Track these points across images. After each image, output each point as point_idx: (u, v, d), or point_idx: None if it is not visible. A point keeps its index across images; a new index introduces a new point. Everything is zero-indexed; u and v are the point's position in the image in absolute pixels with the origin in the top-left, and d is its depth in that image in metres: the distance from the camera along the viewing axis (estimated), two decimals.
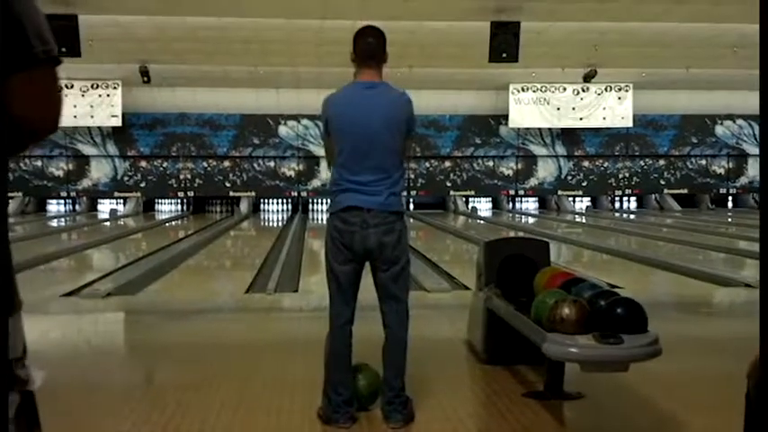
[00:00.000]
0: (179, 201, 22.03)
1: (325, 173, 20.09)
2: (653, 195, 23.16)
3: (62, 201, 21.70)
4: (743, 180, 22.82)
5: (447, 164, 22.20)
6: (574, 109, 21.12)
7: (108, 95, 19.58)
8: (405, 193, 21.59)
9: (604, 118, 21.30)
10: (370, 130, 3.51)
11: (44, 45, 1.25)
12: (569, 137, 22.25)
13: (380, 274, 3.59)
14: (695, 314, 6.90)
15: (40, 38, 1.24)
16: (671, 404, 3.89)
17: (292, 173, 21.73)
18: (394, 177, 3.54)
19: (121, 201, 21.70)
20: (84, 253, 11.97)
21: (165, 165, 21.50)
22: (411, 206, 22.44)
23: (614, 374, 3.60)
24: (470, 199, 22.51)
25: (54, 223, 18.53)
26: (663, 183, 22.88)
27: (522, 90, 20.85)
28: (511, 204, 22.90)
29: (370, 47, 3.79)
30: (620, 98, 21.11)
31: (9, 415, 1.18)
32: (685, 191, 22.89)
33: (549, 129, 21.99)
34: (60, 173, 21.00)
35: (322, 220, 18.20)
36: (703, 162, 22.88)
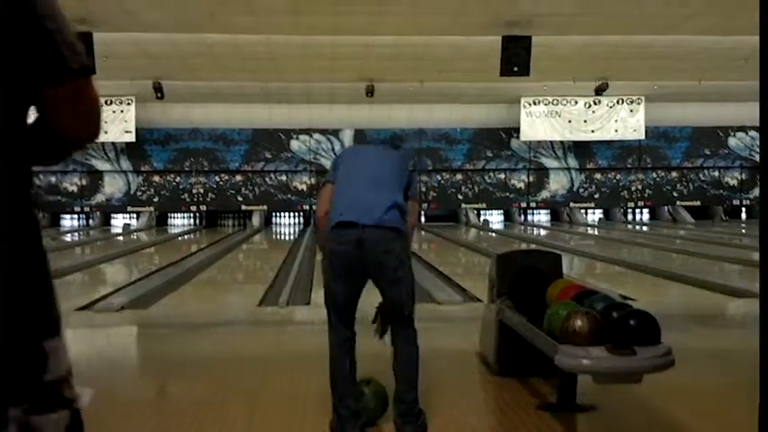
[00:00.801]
0: (191, 215, 22.14)
1: None
2: (666, 207, 23.07)
3: (76, 216, 21.86)
4: (756, 191, 22.68)
5: (458, 177, 22.21)
6: (585, 122, 21.10)
7: (122, 111, 19.74)
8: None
9: (616, 130, 21.27)
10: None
11: (77, 56, 1.26)
12: (581, 149, 22.23)
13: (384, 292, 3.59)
14: (709, 326, 6.86)
15: (71, 50, 1.26)
16: (684, 416, 3.87)
17: (304, 187, 21.80)
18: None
19: (135, 215, 21.84)
20: (98, 267, 12.04)
21: (177, 179, 21.62)
22: (423, 219, 22.45)
23: (627, 386, 3.59)
24: (482, 211, 22.49)
25: (68, 238, 18.65)
26: (676, 195, 22.79)
27: (534, 103, 20.86)
28: (523, 217, 22.85)
29: None
30: (632, 110, 21.08)
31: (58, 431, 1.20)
32: (698, 203, 22.79)
33: (561, 141, 21.97)
34: (74, 188, 21.17)
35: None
36: (716, 174, 22.79)
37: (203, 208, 21.77)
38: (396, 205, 3.54)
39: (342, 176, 3.66)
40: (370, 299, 3.70)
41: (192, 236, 19.85)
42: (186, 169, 21.55)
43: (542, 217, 23.18)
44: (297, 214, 22.06)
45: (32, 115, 1.26)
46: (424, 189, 22.04)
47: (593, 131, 21.24)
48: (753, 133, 22.33)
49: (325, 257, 3.59)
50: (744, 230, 19.25)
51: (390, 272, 3.46)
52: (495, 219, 22.72)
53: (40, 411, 1.17)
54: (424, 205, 22.10)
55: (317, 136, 21.61)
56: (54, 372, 1.20)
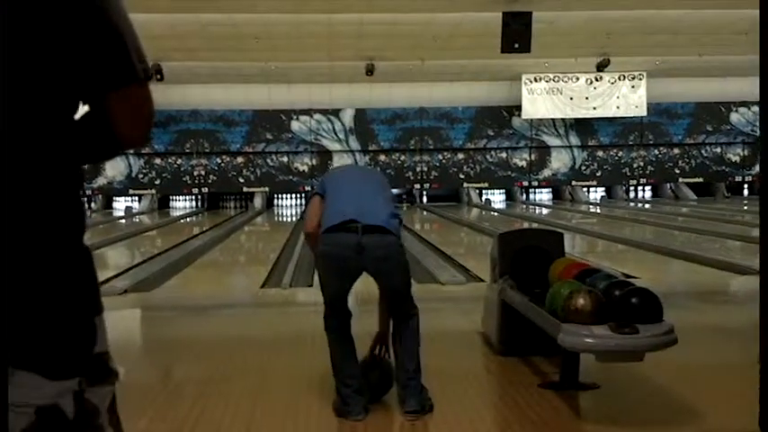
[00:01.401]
0: (193, 197, 22.13)
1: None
2: (668, 184, 23.02)
3: None
4: (758, 167, 22.58)
5: (460, 156, 22.16)
6: (587, 98, 21.02)
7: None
8: (418, 186, 22.05)
9: (618, 107, 21.18)
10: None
11: (143, 64, 1.33)
12: (583, 127, 22.15)
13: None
14: (711, 303, 6.86)
15: (139, 57, 1.32)
16: (687, 393, 3.88)
17: (305, 168, 21.77)
18: None
19: (136, 198, 21.83)
20: (101, 251, 12.05)
21: (179, 162, 21.60)
22: (424, 199, 22.44)
23: (630, 364, 3.59)
24: (484, 191, 22.46)
25: None
26: (678, 171, 22.73)
27: (535, 80, 20.76)
28: (525, 196, 22.83)
29: None
30: (633, 87, 20.98)
31: (105, 405, 1.28)
32: (701, 179, 22.74)
33: (563, 119, 21.89)
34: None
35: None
36: (718, 150, 22.71)
37: (205, 190, 21.76)
38: (395, 215, 3.60)
39: (334, 188, 3.66)
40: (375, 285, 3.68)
41: (194, 218, 19.86)
42: (187, 151, 21.52)
43: (544, 196, 23.15)
44: (298, 195, 22.04)
45: (81, 112, 1.31)
46: (425, 169, 22.00)
47: (594, 108, 21.16)
48: (755, 108, 22.16)
49: (318, 259, 3.60)
50: (746, 207, 19.23)
51: (389, 276, 3.54)
52: (497, 198, 22.69)
53: (94, 383, 1.26)
54: (426, 185, 22.09)
55: (317, 116, 21.55)
56: (101, 345, 1.29)
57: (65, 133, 1.26)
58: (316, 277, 8.08)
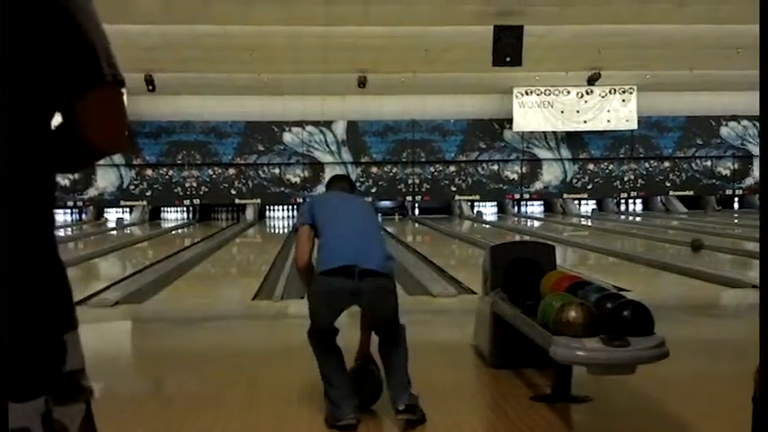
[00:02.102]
0: (185, 209, 22.08)
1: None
2: (658, 197, 23.12)
3: (69, 210, 21.77)
4: (749, 181, 22.76)
5: (452, 168, 22.20)
6: (578, 112, 21.12)
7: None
8: (410, 198, 22.05)
9: (609, 120, 21.29)
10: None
11: (112, 69, 1.29)
12: (574, 140, 22.24)
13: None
14: (702, 316, 6.88)
15: (108, 63, 1.28)
16: (678, 406, 3.88)
17: (297, 179, 21.76)
18: None
19: (128, 209, 21.76)
20: (92, 262, 12.00)
21: (170, 173, 21.56)
22: (416, 211, 22.45)
23: (621, 377, 3.60)
24: (475, 203, 22.50)
25: (61, 233, 18.59)
26: (668, 185, 22.84)
27: (526, 93, 20.85)
28: (516, 208, 22.87)
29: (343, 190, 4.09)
30: (624, 100, 21.09)
31: (76, 424, 1.23)
32: (691, 192, 22.85)
33: (554, 132, 21.98)
34: (67, 182, 21.07)
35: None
36: (708, 163, 22.84)
37: (196, 202, 21.71)
38: (390, 257, 3.68)
39: (328, 220, 3.69)
40: None
41: (185, 230, 19.81)
42: (179, 162, 21.48)
43: (536, 208, 23.20)
44: (290, 207, 22.02)
45: (55, 121, 1.28)
46: (417, 181, 22.04)
47: (585, 122, 21.26)
48: (745, 122, 22.37)
49: (311, 295, 3.64)
50: (736, 220, 19.32)
51: (380, 311, 3.62)
52: (489, 210, 22.73)
53: (62, 402, 1.20)
54: (417, 197, 22.13)
55: (309, 128, 21.56)
56: (72, 363, 1.23)
57: (38, 141, 1.23)
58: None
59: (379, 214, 21.53)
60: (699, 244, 10.68)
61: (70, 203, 21.36)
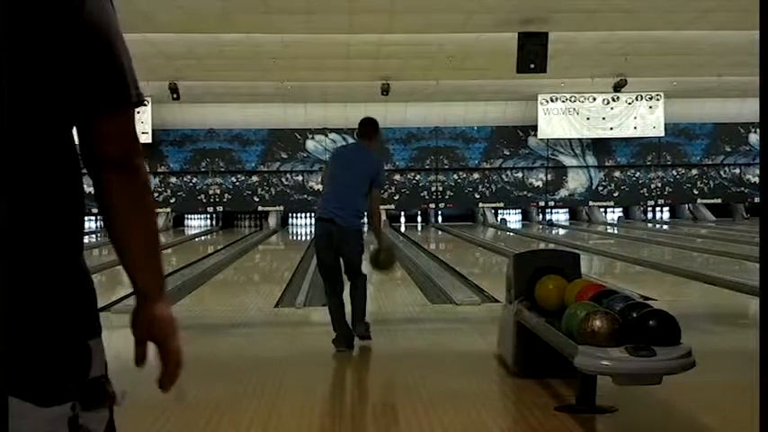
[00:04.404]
0: (208, 216, 22.21)
1: None
2: (686, 205, 22.85)
3: (93, 218, 21.98)
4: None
5: (475, 176, 22.12)
6: (604, 119, 20.94)
7: (138, 112, 19.18)
8: (433, 206, 21.96)
9: (635, 127, 21.08)
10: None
11: (136, 89, 1.31)
12: (600, 147, 22.06)
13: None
14: (730, 325, 6.77)
15: (134, 84, 1.30)
16: (705, 418, 3.81)
17: (320, 186, 21.77)
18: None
19: None
20: (116, 269, 12.04)
21: (194, 180, 21.70)
22: (439, 218, 22.39)
23: (647, 387, 3.53)
24: (499, 211, 22.39)
25: (85, 239, 18.71)
26: (696, 192, 22.56)
27: (551, 100, 20.73)
28: (541, 216, 22.73)
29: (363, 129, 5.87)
30: (651, 107, 20.89)
31: (101, 430, 1.24)
32: (719, 200, 22.55)
33: (579, 139, 21.83)
34: (92, 189, 21.20)
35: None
36: (737, 171, 22.53)
37: (220, 209, 21.83)
38: (356, 212, 5.42)
39: (327, 177, 5.63)
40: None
41: (208, 237, 19.92)
42: (203, 170, 21.63)
43: (561, 216, 23.03)
44: (313, 215, 22.03)
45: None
46: (441, 188, 21.98)
47: (611, 129, 21.07)
48: None
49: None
50: None
51: (347, 252, 5.43)
52: (513, 218, 22.60)
53: (88, 408, 1.21)
54: (441, 205, 22.07)
55: (332, 135, 21.61)
56: (97, 369, 1.25)
57: (64, 149, 1.25)
58: None
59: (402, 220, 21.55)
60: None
61: (95, 211, 21.49)
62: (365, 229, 5.70)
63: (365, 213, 5.53)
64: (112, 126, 1.28)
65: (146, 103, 1.36)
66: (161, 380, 1.43)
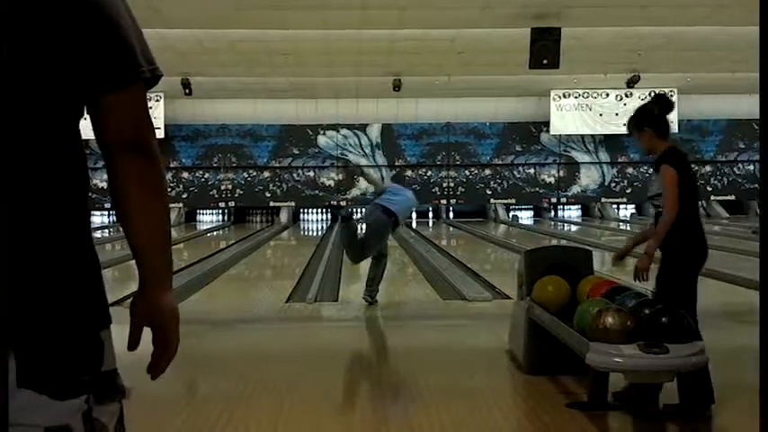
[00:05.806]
0: (220, 211, 22.27)
1: (363, 182, 20.11)
2: (699, 202, 22.67)
3: (106, 212, 22.07)
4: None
5: (487, 172, 22.07)
6: (617, 115, 20.82)
7: (150, 108, 19.59)
8: (444, 201, 21.87)
9: None
10: None
11: (150, 65, 1.28)
12: (613, 143, 21.95)
13: None
14: (743, 323, 6.71)
15: (146, 58, 1.27)
16: (717, 414, 3.78)
17: (332, 182, 21.81)
18: None
19: None
20: (128, 263, 12.12)
21: (206, 176, 21.77)
22: (451, 214, 22.36)
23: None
24: (511, 207, 22.32)
25: (98, 234, 18.84)
26: (709, 189, 22.41)
27: (564, 96, 20.64)
28: (553, 212, 22.64)
29: None
30: None
31: (113, 423, 1.24)
32: (733, 197, 22.40)
33: (592, 135, 21.72)
34: (104, 184, 21.35)
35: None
36: (751, 167, 22.38)
37: (231, 204, 21.88)
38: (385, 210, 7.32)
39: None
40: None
41: (220, 232, 19.97)
42: (215, 165, 21.68)
43: (573, 212, 22.93)
44: (324, 210, 22.07)
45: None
46: (452, 184, 21.94)
47: (624, 125, 20.90)
48: None
49: None
50: None
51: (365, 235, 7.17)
52: (525, 214, 22.53)
53: (101, 401, 1.21)
54: (452, 201, 22.02)
55: (344, 131, 21.61)
56: (109, 362, 1.25)
57: (71, 134, 1.22)
58: (341, 293, 8.14)
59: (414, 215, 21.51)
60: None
61: (108, 206, 21.64)
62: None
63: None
64: (123, 105, 1.25)
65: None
66: (152, 366, 1.42)
